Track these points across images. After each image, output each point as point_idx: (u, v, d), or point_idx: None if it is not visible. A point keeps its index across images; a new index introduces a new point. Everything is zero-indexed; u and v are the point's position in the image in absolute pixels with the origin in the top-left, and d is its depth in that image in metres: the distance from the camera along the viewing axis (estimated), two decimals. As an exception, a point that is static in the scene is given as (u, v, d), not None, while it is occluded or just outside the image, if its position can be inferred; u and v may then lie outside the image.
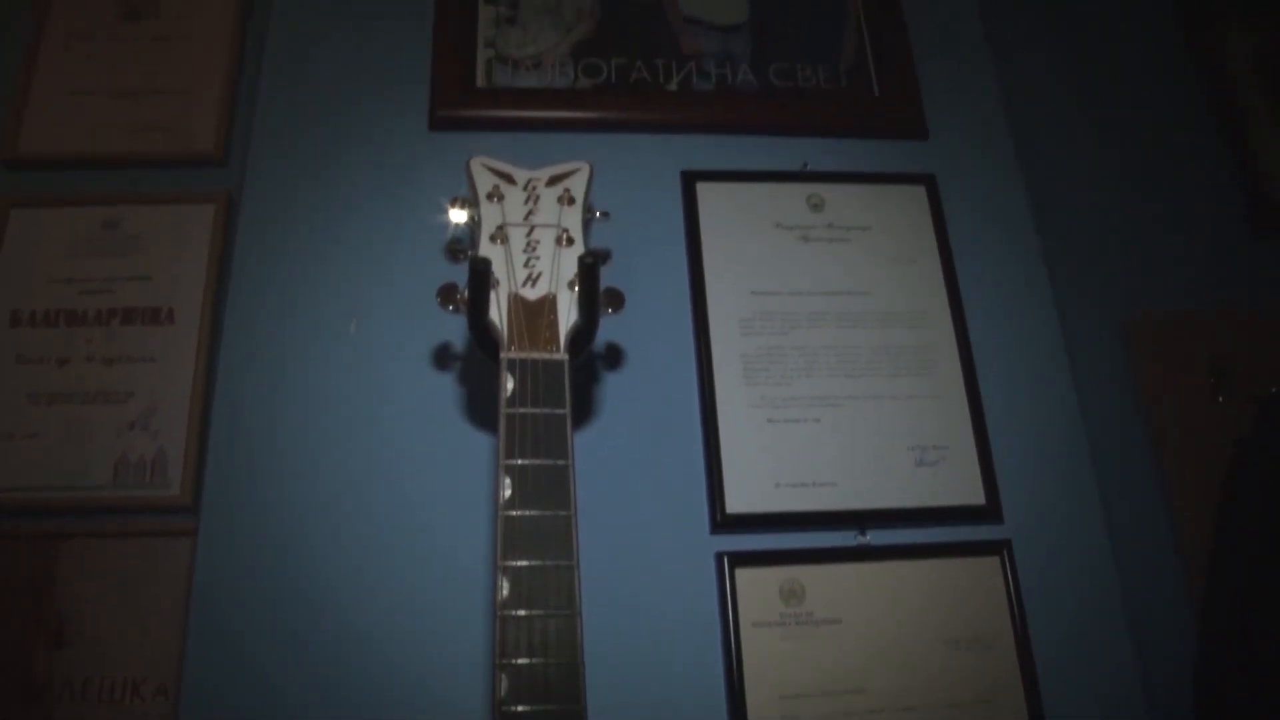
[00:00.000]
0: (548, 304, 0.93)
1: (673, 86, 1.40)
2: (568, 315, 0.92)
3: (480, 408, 1.17)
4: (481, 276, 0.89)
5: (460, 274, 0.91)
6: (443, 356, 1.20)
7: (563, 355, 0.89)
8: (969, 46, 1.53)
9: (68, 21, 1.57)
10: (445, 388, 1.19)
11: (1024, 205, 1.41)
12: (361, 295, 1.24)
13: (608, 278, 0.95)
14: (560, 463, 0.83)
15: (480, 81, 1.37)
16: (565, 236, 0.98)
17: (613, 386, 1.21)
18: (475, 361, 1.11)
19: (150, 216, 1.42)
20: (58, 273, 1.38)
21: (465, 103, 1.34)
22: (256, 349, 1.21)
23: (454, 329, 1.19)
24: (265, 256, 1.27)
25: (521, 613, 0.77)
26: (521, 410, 0.85)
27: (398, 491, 1.14)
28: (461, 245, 0.98)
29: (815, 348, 1.25)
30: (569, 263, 0.95)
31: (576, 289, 0.93)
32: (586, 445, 1.16)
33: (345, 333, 1.22)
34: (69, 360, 1.33)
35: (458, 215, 1.01)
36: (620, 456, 1.18)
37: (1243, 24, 1.76)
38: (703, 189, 1.32)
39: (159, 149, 1.47)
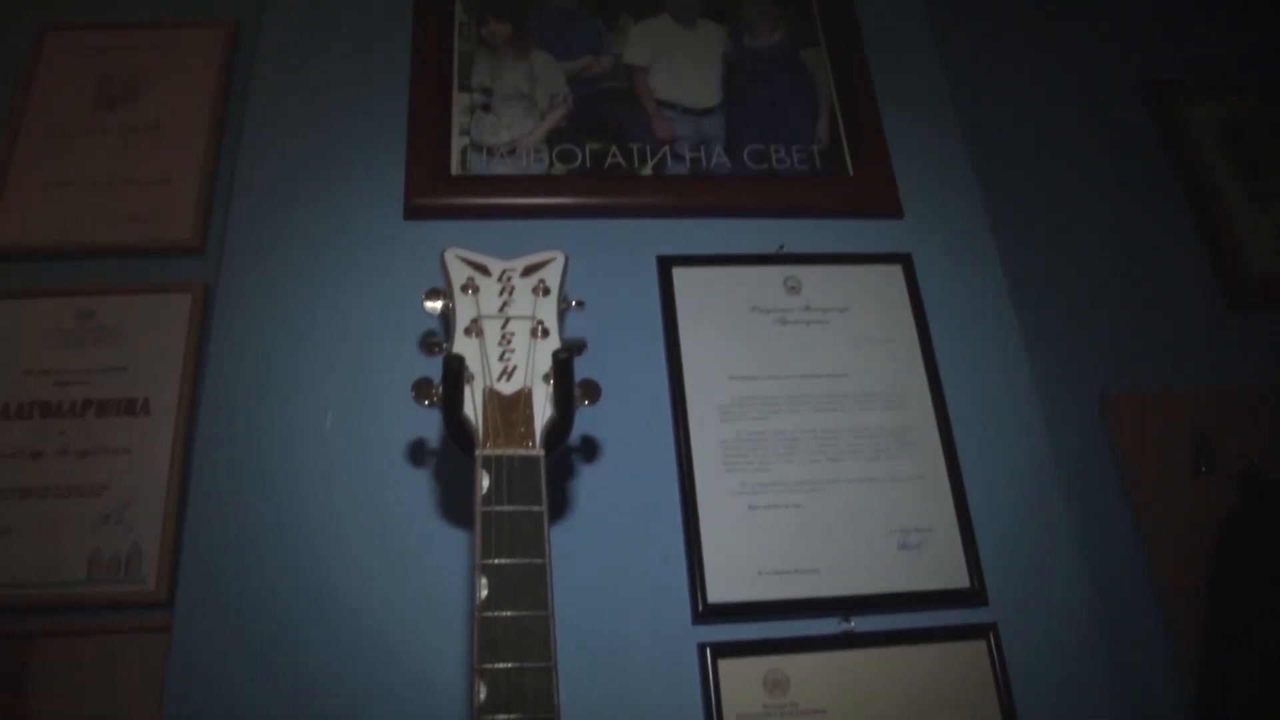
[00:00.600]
0: (523, 399, 0.94)
1: (647, 171, 1.43)
2: (543, 410, 0.94)
3: (457, 503, 1.18)
4: (455, 375, 0.91)
5: (436, 367, 0.92)
6: (418, 451, 1.21)
7: (538, 451, 0.91)
8: (942, 124, 1.56)
9: (45, 112, 1.60)
10: (421, 482, 1.20)
11: (1000, 282, 1.43)
12: (337, 387, 1.25)
13: (584, 366, 0.96)
14: (537, 561, 0.84)
15: (455, 169, 1.39)
16: (540, 329, 1.00)
17: (590, 478, 1.22)
18: (451, 456, 1.11)
19: (127, 307, 1.44)
20: (32, 364, 1.39)
21: (440, 191, 1.37)
22: (232, 441, 1.21)
23: (430, 422, 1.20)
24: (241, 347, 1.28)
25: (500, 717, 0.77)
26: (497, 508, 0.86)
27: (373, 588, 1.14)
28: (436, 339, 1.00)
29: (795, 432, 1.26)
30: (544, 356, 0.97)
31: (552, 383, 0.94)
32: (564, 540, 1.17)
33: (321, 425, 1.22)
34: (43, 453, 1.34)
35: (432, 307, 1.03)
36: (599, 550, 1.18)
37: (1207, 97, 1.81)
38: (679, 274, 1.34)
39: (136, 238, 1.50)
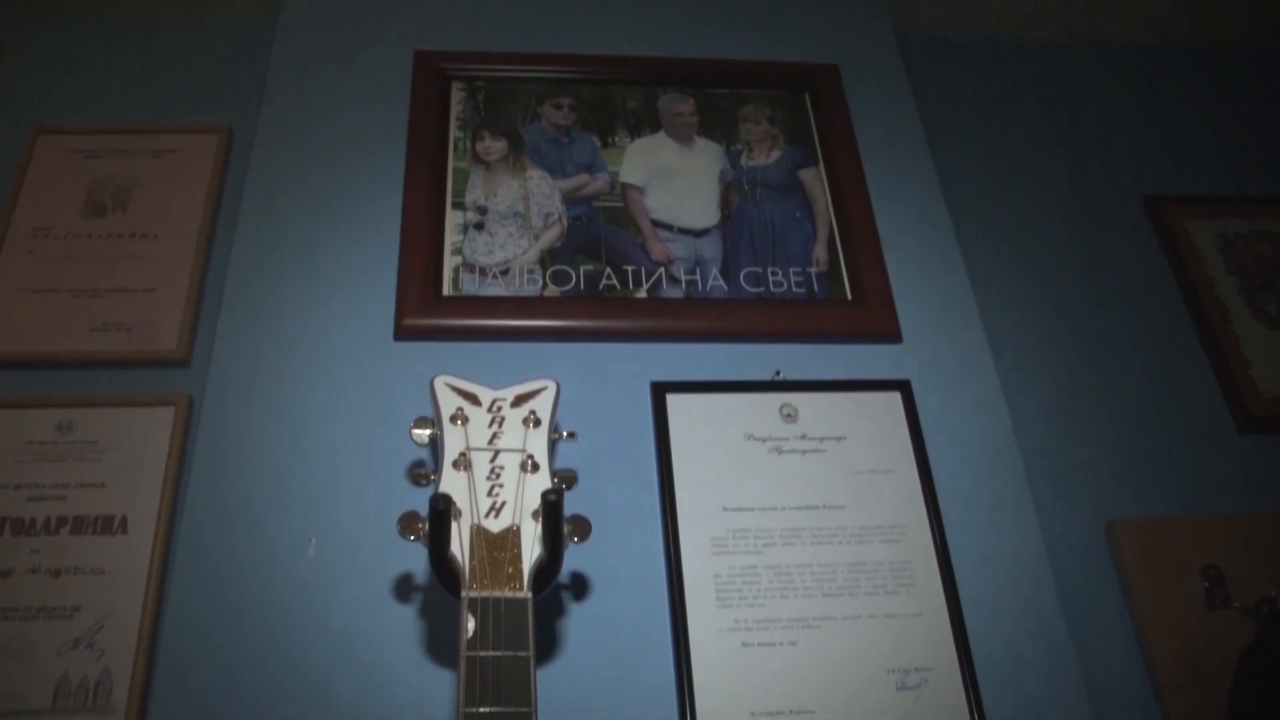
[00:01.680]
0: (511, 537, 0.95)
1: (642, 294, 1.46)
2: (531, 549, 0.95)
3: (441, 642, 1.18)
4: (441, 516, 0.92)
5: (423, 499, 0.93)
6: (404, 585, 1.22)
7: (526, 594, 0.91)
8: (941, 246, 1.60)
9: (33, 218, 1.63)
10: (405, 618, 1.20)
11: (1001, 408, 1.45)
12: (321, 513, 1.26)
13: (574, 495, 0.97)
14: (524, 710, 0.84)
15: (447, 290, 1.42)
16: (530, 462, 1.01)
17: (579, 615, 1.22)
18: (438, 591, 1.12)
19: (108, 419, 1.44)
20: (7, 478, 1.40)
21: (431, 312, 1.39)
22: (211, 564, 1.21)
23: (417, 555, 1.21)
24: (224, 465, 1.28)
25: None
26: (483, 653, 0.87)
27: (353, 729, 1.13)
28: (424, 470, 1.01)
29: (790, 566, 1.27)
30: (533, 491, 0.98)
31: (541, 522, 0.95)
32: (552, 683, 1.16)
33: (303, 552, 1.23)
34: (12, 572, 1.33)
35: (420, 436, 1.05)
36: (588, 691, 1.17)
37: (1206, 211, 1.85)
38: (673, 401, 1.36)
39: (120, 349, 1.51)
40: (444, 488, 0.98)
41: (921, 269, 1.57)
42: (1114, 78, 2.11)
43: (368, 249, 1.47)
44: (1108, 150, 1.98)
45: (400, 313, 1.40)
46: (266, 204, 1.51)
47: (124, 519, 1.37)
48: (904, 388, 1.43)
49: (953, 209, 1.65)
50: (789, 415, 1.38)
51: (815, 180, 1.62)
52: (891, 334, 1.48)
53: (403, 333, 1.39)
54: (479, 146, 1.58)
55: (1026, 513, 1.37)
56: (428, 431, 1.05)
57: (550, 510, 0.93)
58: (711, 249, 1.52)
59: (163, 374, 1.50)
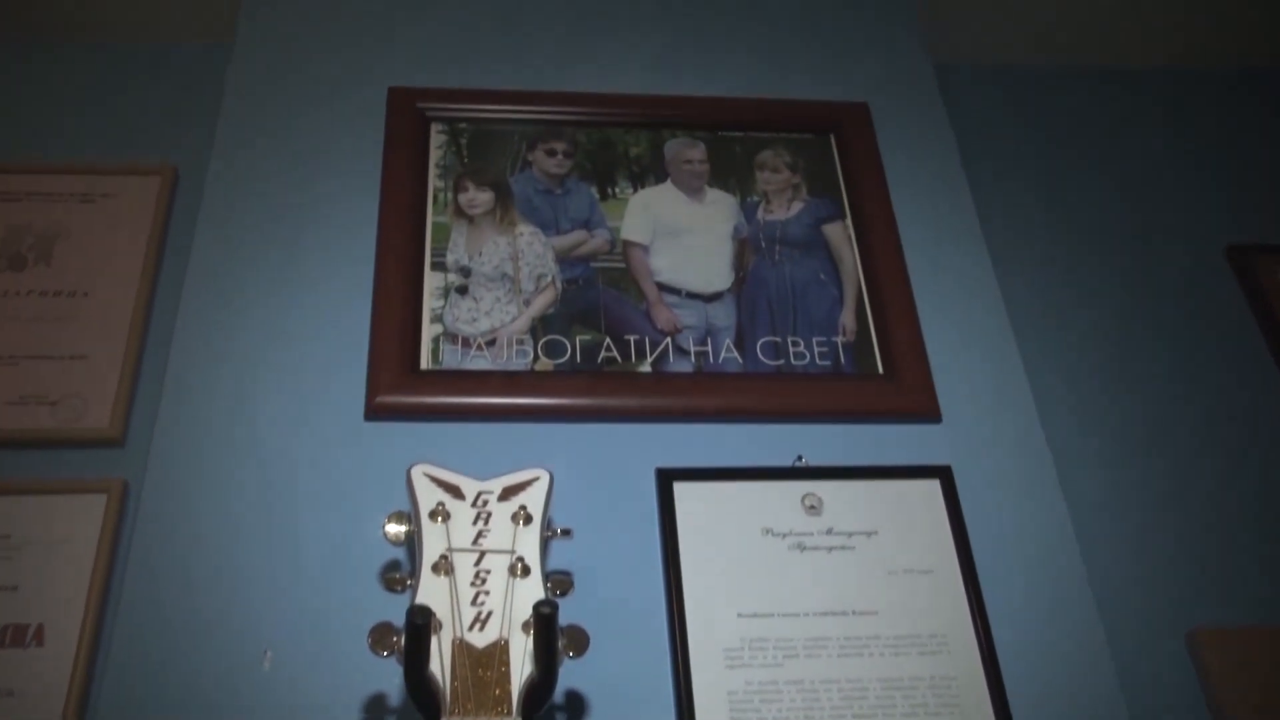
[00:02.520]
0: (498, 652, 0.96)
1: (646, 367, 1.48)
2: (521, 667, 0.95)
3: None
4: (419, 631, 0.92)
5: (398, 606, 0.93)
6: (375, 708, 1.21)
7: (516, 719, 0.92)
8: (987, 313, 1.62)
9: (-56, 274, 1.61)
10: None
11: (1058, 499, 1.46)
12: (280, 621, 1.25)
13: (570, 602, 0.98)
14: None
15: (425, 363, 1.43)
16: (520, 565, 1.03)
17: (575, 743, 1.22)
18: (414, 717, 1.12)
19: (25, 509, 1.44)
20: (-103, 578, 1.36)
21: (408, 388, 1.40)
22: (148, 683, 1.20)
23: (390, 673, 1.20)
24: (164, 563, 1.28)
25: None
26: (465, 790, 0.88)
27: None
28: (400, 575, 1.03)
29: (814, 682, 1.27)
30: (524, 599, 1.00)
31: (532, 636, 0.96)
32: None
33: (258, 667, 1.22)
34: (-99, 695, 1.29)
35: (395, 534, 1.06)
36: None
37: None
38: (681, 490, 1.37)
39: (43, 425, 1.52)
40: (422, 596, 0.98)
41: (964, 337, 1.58)
42: (1184, 107, 2.14)
43: (335, 315, 1.48)
44: (1182, 193, 2.01)
45: (372, 389, 1.41)
46: (217, 259, 1.52)
47: (39, 629, 1.36)
48: (944, 474, 1.44)
49: (999, 267, 1.68)
50: (813, 507, 1.39)
51: (842, 236, 1.65)
52: (929, 413, 1.49)
53: (375, 412, 1.40)
54: (462, 199, 1.61)
55: (1090, 621, 1.37)
56: (404, 529, 1.06)
57: (543, 625, 0.93)
58: (724, 316, 1.55)
59: (93, 455, 1.51)
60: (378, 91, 1.71)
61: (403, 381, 1.41)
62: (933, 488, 1.43)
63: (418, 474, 1.09)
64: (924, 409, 1.50)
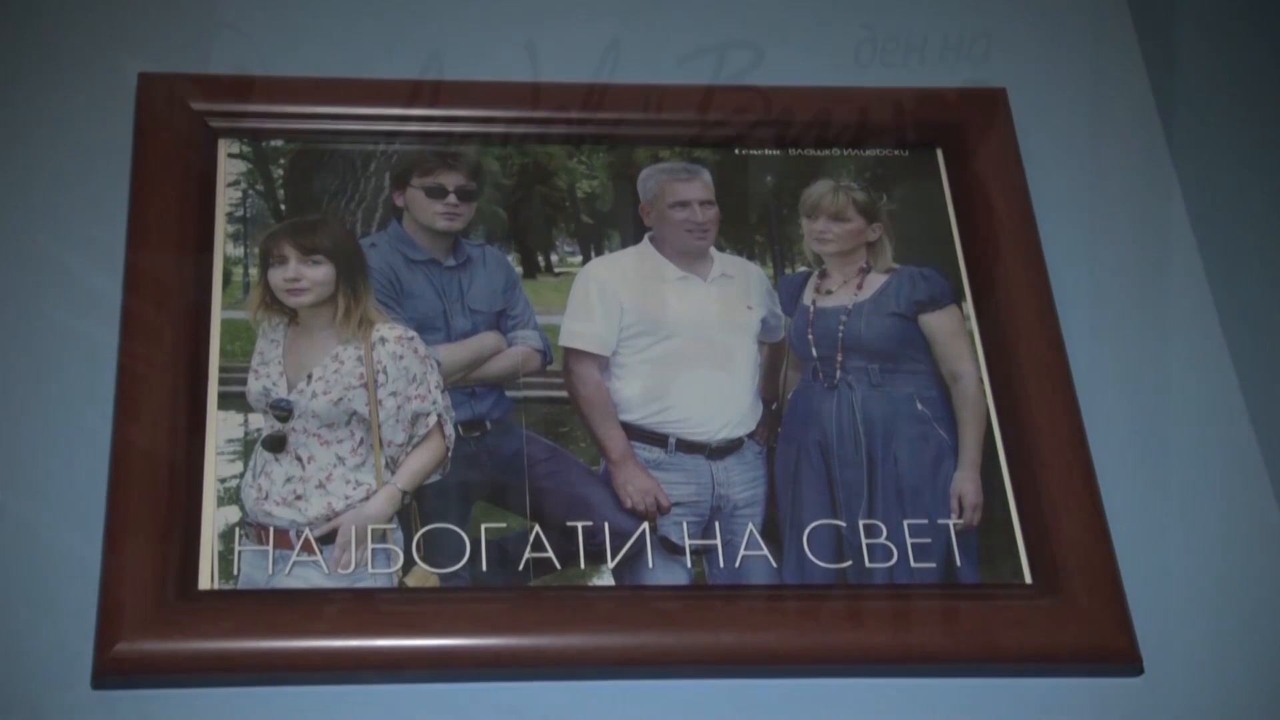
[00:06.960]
0: None
1: (605, 578, 1.44)
2: None
3: None
4: None
5: None
6: None
7: None
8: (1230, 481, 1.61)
9: None
10: None
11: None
12: None
13: None
14: None
15: (208, 577, 1.39)
16: None
17: None
18: None
19: None
20: None
21: (170, 628, 1.32)
22: None
23: None
24: None
25: None
26: None
27: None
28: None
29: None
30: None
31: None
32: None
33: None
34: None
35: None
36: None
37: None
38: None
39: None
40: None
41: (1180, 521, 1.59)
42: None
43: (46, 500, 1.46)
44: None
45: (106, 633, 1.34)
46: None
47: None
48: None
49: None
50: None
51: (956, 334, 1.62)
52: (1121, 655, 1.45)
53: (109, 669, 1.34)
54: (275, 277, 1.55)
55: None
56: None
57: None
58: (745, 483, 1.52)
59: None
60: (123, 80, 1.66)
61: (162, 614, 1.36)
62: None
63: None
64: (1111, 649, 1.45)
